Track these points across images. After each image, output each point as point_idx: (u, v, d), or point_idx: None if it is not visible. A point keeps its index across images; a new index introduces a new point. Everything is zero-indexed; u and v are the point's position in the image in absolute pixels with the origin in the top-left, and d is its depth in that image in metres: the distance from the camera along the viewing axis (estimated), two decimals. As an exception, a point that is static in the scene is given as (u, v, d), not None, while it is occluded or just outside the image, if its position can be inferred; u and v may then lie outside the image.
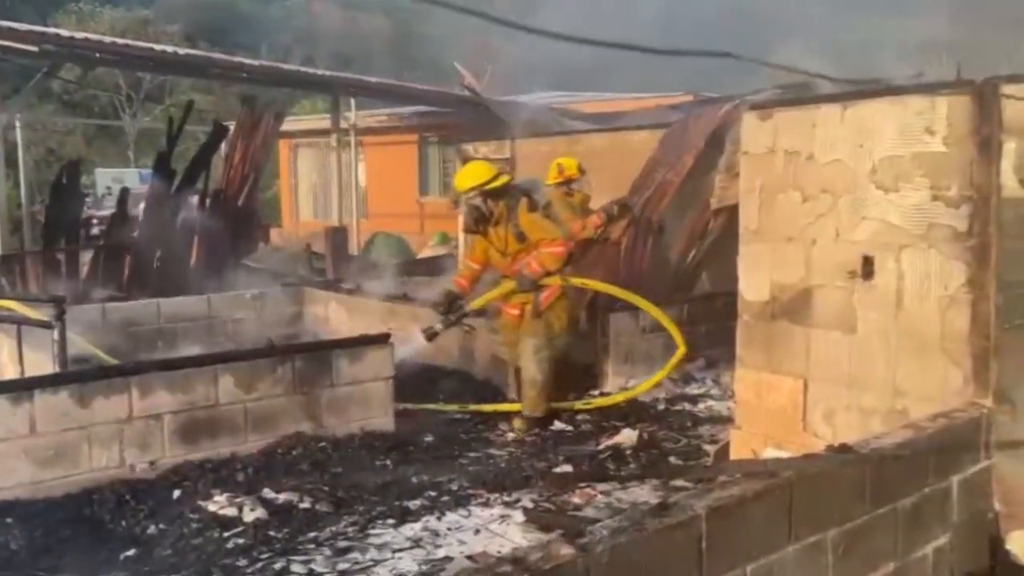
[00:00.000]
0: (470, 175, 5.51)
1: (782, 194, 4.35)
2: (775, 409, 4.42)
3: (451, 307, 5.65)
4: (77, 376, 4.48)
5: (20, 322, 5.02)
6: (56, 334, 4.81)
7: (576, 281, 5.87)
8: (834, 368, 4.17)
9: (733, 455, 4.63)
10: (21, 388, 4.26)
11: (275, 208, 21.13)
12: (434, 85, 16.99)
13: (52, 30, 9.19)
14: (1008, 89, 3.53)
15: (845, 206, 4.08)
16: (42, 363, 5.03)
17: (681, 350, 5.88)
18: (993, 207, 3.59)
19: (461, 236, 10.60)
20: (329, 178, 18.31)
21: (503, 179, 5.48)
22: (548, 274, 5.53)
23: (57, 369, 4.83)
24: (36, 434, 4.25)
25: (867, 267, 4.01)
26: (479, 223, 5.56)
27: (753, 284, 4.52)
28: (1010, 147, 3.55)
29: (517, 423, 5.58)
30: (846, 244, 4.09)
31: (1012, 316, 3.53)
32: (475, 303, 5.64)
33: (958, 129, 3.67)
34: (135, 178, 31.42)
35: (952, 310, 3.72)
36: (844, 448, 3.03)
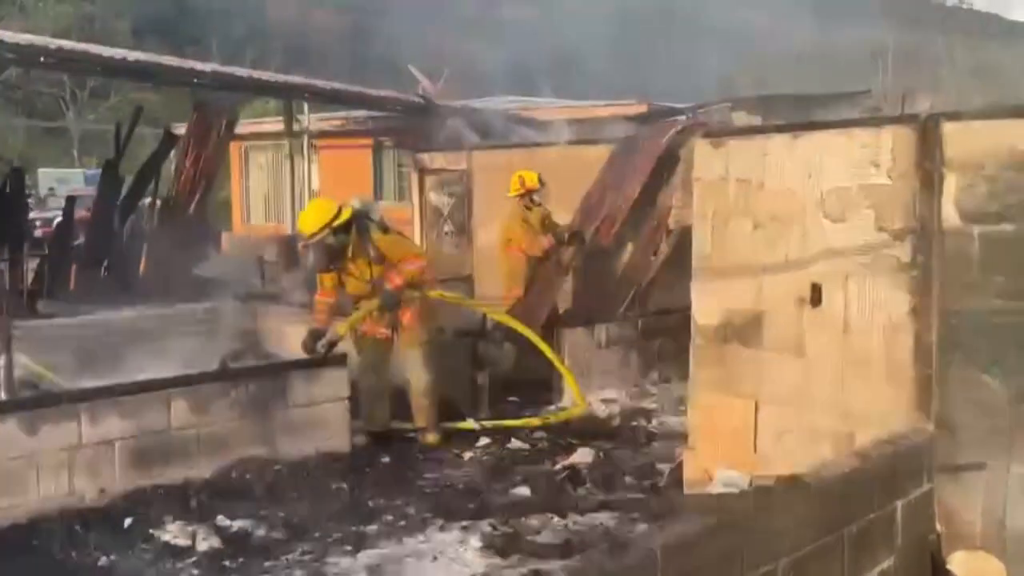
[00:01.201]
0: (316, 217, 5.42)
1: (734, 221, 4.44)
2: (727, 430, 4.51)
3: (317, 343, 5.54)
4: (25, 403, 4.40)
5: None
6: (2, 360, 4.70)
7: (434, 294, 6.00)
8: (784, 391, 4.27)
9: (687, 475, 4.71)
10: (-35, 417, 4.16)
11: (226, 211, 20.79)
12: (389, 90, 16.88)
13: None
14: (949, 126, 3.66)
15: (795, 234, 4.19)
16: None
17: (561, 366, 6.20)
18: (935, 239, 3.72)
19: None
20: (281, 182, 18.09)
21: (347, 212, 5.45)
22: (411, 287, 5.58)
23: (3, 396, 4.72)
24: (-19, 463, 4.15)
25: (815, 294, 4.12)
26: (334, 261, 5.53)
27: (706, 308, 4.61)
28: (951, 181, 3.67)
29: (430, 439, 5.67)
30: (796, 271, 4.19)
31: (953, 346, 3.66)
32: (340, 329, 5.58)
33: (902, 162, 3.79)
34: (80, 179, 30.77)
35: (896, 338, 3.84)
36: (794, 480, 3.12)
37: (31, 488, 4.30)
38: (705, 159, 4.59)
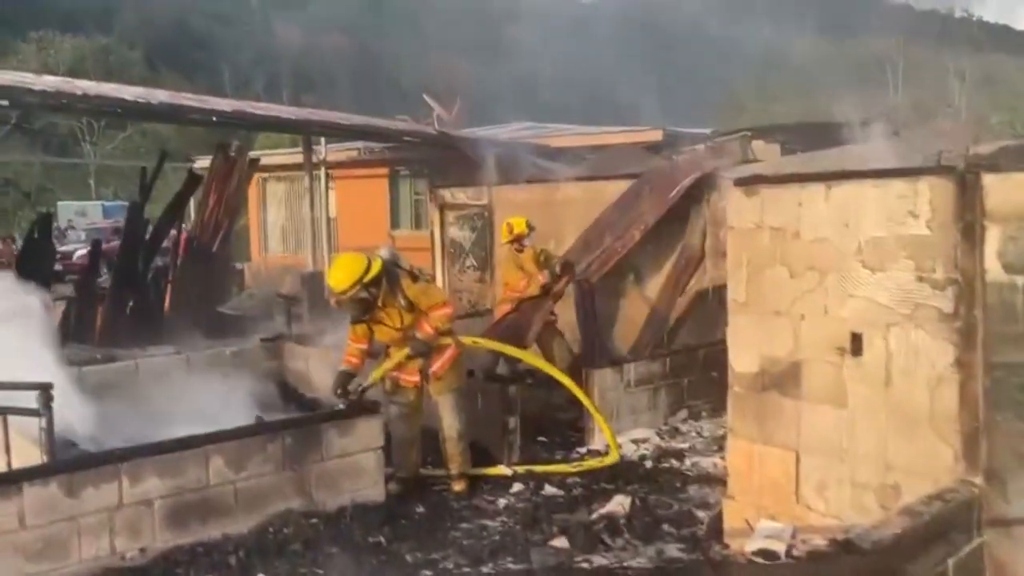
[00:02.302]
0: (347, 273, 5.41)
1: (769, 269, 4.43)
2: (768, 480, 4.48)
3: (347, 387, 5.54)
4: (67, 466, 4.41)
5: (6, 412, 4.92)
6: (44, 422, 4.72)
7: (468, 341, 5.98)
8: (825, 441, 4.24)
9: (727, 525, 4.68)
10: (10, 481, 4.18)
11: (244, 241, 20.94)
12: (406, 119, 17.03)
13: (19, 82, 9.06)
14: (989, 178, 3.64)
15: (832, 283, 4.17)
16: (28, 449, 4.94)
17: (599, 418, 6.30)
18: (978, 291, 3.69)
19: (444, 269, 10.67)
20: (299, 212, 18.21)
21: (377, 264, 5.48)
22: (440, 334, 5.61)
23: (45, 459, 4.74)
24: (25, 528, 4.16)
25: (856, 344, 4.09)
26: (367, 312, 5.55)
27: (743, 356, 4.59)
28: (993, 233, 3.65)
29: (459, 487, 5.69)
30: (834, 320, 4.17)
31: (1000, 400, 3.62)
32: (373, 376, 5.60)
33: (941, 213, 3.78)
34: (99, 211, 31.06)
35: (941, 389, 3.81)
36: (847, 545, 3.09)
37: (73, 551, 4.30)
38: (738, 207, 4.58)
